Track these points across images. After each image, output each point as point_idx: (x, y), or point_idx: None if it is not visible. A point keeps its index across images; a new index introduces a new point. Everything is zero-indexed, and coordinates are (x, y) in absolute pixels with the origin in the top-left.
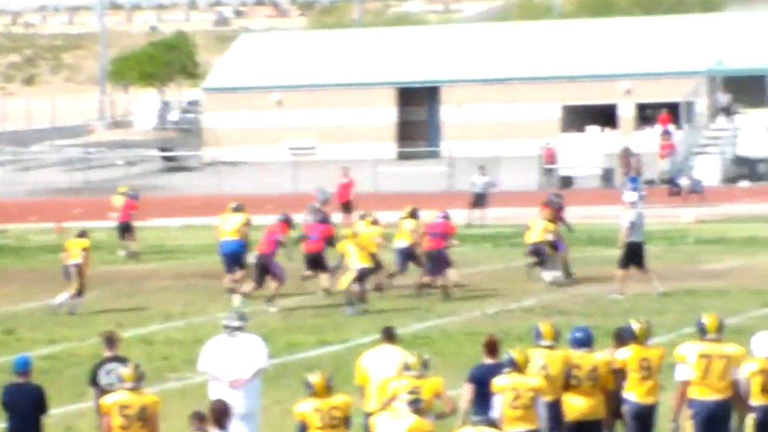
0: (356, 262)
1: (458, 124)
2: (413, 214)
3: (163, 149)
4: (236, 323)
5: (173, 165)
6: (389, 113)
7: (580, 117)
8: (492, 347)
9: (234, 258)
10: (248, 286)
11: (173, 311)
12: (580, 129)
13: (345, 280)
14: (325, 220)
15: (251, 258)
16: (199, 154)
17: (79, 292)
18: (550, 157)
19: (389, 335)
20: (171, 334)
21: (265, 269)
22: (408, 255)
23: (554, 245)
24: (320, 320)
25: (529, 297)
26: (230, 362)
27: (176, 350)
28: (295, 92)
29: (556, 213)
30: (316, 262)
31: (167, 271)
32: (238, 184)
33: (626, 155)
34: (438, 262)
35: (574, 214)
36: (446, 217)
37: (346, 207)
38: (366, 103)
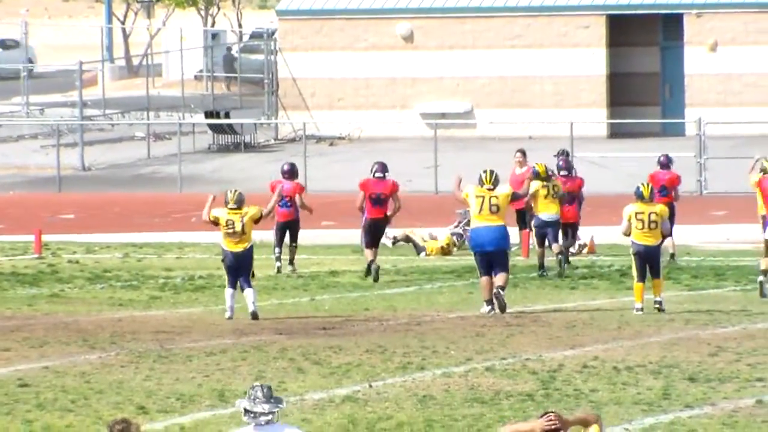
0: None
1: (713, 78)
2: None
3: (211, 113)
4: (263, 407)
5: (229, 141)
6: (596, 59)
7: None
8: None
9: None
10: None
11: (232, 389)
12: None
13: None
14: None
15: None
16: (273, 124)
17: None
18: None
19: None
20: (227, 429)
21: None
22: None
23: None
24: (479, 408)
25: None
26: None
27: None
28: (437, 21)
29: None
30: None
31: (219, 319)
32: (341, 175)
33: None
34: None
35: None
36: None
37: (523, 218)
38: (556, 42)
